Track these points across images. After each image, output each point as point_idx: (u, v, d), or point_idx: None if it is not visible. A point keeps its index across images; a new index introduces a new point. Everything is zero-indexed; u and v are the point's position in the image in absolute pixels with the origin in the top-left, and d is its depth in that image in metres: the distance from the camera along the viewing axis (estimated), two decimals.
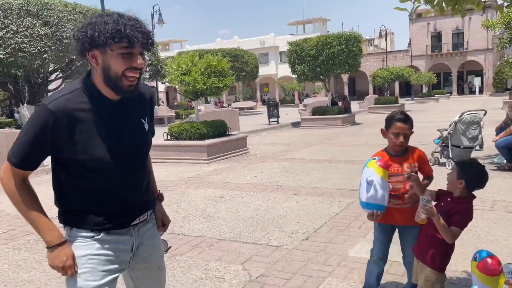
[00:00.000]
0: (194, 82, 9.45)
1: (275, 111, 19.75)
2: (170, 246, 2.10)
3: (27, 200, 1.57)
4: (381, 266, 2.77)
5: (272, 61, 54.22)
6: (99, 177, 1.58)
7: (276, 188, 6.63)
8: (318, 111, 18.23)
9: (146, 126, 1.69)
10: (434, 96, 38.30)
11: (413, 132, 2.64)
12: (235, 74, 11.60)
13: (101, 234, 1.62)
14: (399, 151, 2.60)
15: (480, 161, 7.86)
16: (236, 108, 26.38)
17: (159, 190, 1.98)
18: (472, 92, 48.30)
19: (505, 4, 2.30)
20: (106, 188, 1.61)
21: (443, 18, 48.86)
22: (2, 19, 16.58)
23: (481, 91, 46.73)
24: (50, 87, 22.60)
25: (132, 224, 1.69)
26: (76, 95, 1.53)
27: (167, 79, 10.45)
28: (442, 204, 2.30)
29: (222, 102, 46.57)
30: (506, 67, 19.75)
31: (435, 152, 8.03)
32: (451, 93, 46.52)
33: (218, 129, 10.23)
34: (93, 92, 1.55)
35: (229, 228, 4.71)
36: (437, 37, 50.02)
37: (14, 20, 16.58)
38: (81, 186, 1.60)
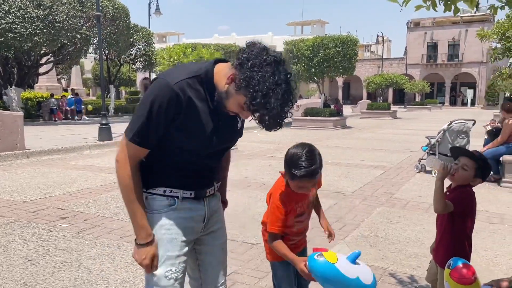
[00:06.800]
0: None
1: None
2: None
3: (136, 190, 1.58)
4: None
5: None
6: (185, 158, 1.65)
7: (260, 186, 6.53)
8: (310, 112, 18.19)
9: (239, 125, 1.76)
10: (426, 105, 38.54)
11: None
12: None
13: (177, 202, 1.66)
14: None
15: None
16: None
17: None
18: (464, 104, 48.74)
19: (499, 5, 2.21)
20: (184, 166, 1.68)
21: (440, 28, 49.26)
22: None
23: (473, 104, 47.14)
24: (41, 70, 22.31)
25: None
26: (195, 82, 1.55)
27: (158, 69, 10.34)
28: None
29: None
30: (499, 80, 19.90)
31: (422, 159, 7.96)
32: (443, 103, 46.88)
33: None
34: (210, 89, 1.57)
35: None
36: (433, 47, 50.32)
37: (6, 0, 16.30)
38: (168, 160, 1.66)
